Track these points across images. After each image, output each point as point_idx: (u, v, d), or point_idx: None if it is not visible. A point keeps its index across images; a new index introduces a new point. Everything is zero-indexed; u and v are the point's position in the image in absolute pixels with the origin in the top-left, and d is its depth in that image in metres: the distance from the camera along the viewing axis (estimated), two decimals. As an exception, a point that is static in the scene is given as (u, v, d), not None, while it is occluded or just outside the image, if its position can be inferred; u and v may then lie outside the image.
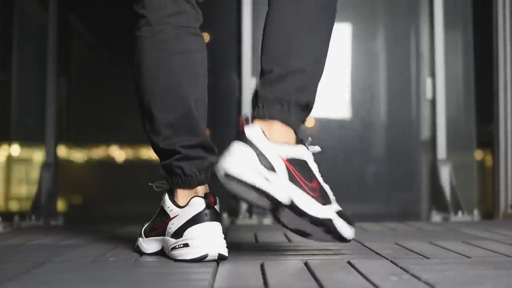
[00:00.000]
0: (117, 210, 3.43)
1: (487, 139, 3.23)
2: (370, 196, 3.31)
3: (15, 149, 3.47)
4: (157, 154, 1.58)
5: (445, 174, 3.20)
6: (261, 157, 1.41)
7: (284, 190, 1.42)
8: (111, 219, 3.21)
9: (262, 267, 1.36)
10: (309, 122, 3.01)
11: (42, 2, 3.33)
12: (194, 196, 1.50)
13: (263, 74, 1.51)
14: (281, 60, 1.50)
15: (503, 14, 3.10)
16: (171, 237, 1.51)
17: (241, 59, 3.26)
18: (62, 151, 3.40)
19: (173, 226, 1.51)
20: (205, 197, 1.49)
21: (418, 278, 1.18)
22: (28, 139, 3.43)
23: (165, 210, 1.55)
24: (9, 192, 3.52)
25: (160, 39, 1.54)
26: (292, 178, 1.44)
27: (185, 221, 1.48)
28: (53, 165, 3.24)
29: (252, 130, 1.43)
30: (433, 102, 3.29)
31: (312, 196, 1.44)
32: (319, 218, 1.45)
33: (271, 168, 1.41)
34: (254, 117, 1.48)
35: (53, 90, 3.27)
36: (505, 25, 3.09)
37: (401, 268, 1.31)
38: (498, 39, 3.11)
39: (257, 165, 1.40)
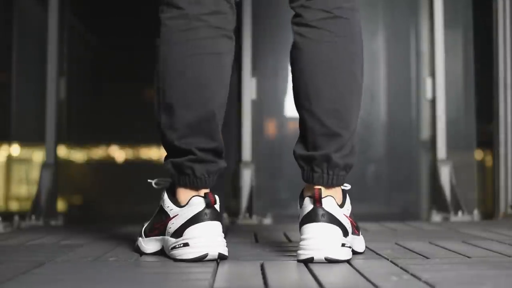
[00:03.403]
0: (117, 210, 3.43)
1: (487, 139, 3.22)
2: (370, 196, 3.31)
3: (15, 149, 3.47)
4: (167, 149, 1.55)
5: (445, 174, 3.19)
6: (342, 228, 1.46)
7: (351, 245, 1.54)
8: (111, 219, 3.21)
9: (262, 267, 1.36)
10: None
11: (42, 2, 3.32)
12: (194, 196, 1.49)
13: (330, 135, 1.50)
14: (349, 123, 1.51)
15: (503, 14, 3.10)
16: (171, 236, 1.50)
17: (241, 59, 3.26)
18: (62, 151, 3.40)
19: (173, 225, 1.50)
20: (205, 196, 1.48)
21: (418, 278, 1.18)
22: (28, 139, 3.43)
23: (164, 210, 1.54)
24: (9, 192, 3.52)
25: (195, 36, 1.51)
26: (353, 231, 1.54)
27: (185, 220, 1.48)
28: (53, 165, 3.23)
29: (328, 202, 1.47)
30: (433, 102, 3.29)
31: (356, 234, 1.60)
32: (364, 251, 1.64)
33: (347, 233, 1.48)
34: (319, 183, 1.50)
35: (53, 90, 3.26)
36: (505, 25, 3.09)
37: (401, 268, 1.31)
38: (498, 39, 3.11)
39: (342, 239, 1.46)
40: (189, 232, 1.47)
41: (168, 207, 1.53)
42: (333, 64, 1.51)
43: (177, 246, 1.48)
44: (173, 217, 1.51)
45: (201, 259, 1.44)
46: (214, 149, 1.53)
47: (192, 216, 1.47)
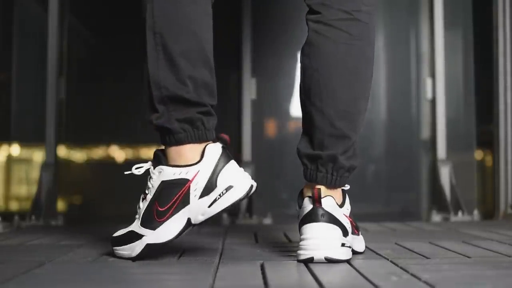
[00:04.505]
0: (117, 210, 3.43)
1: (487, 139, 3.23)
2: (370, 196, 3.31)
3: (15, 149, 3.47)
4: (172, 106, 1.50)
5: (445, 174, 3.20)
6: (342, 228, 1.47)
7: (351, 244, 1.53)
8: (111, 219, 3.21)
9: (262, 267, 1.36)
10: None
11: (42, 2, 3.33)
12: (207, 144, 1.49)
13: (339, 136, 1.50)
14: (357, 126, 1.53)
15: (503, 14, 3.10)
16: (201, 197, 1.47)
17: (241, 59, 3.26)
18: (62, 151, 3.40)
19: (198, 185, 1.47)
20: (220, 139, 1.50)
21: (418, 278, 1.18)
22: (28, 139, 3.43)
23: (172, 181, 1.48)
24: (9, 192, 3.52)
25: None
26: (353, 231, 1.55)
27: (211, 170, 1.47)
28: (53, 165, 3.24)
29: (328, 202, 1.47)
30: (433, 102, 3.29)
31: (356, 234, 1.61)
32: (364, 250, 1.64)
33: (347, 233, 1.48)
34: (323, 183, 1.50)
35: (53, 90, 3.26)
36: (505, 25, 3.09)
37: (401, 268, 1.31)
38: (498, 40, 3.11)
39: (342, 238, 1.46)
40: (226, 176, 1.47)
41: (180, 173, 1.48)
42: (349, 66, 1.51)
43: (220, 195, 1.47)
44: (194, 176, 1.47)
45: (249, 193, 1.48)
46: (214, 106, 1.54)
47: (218, 162, 1.48)
